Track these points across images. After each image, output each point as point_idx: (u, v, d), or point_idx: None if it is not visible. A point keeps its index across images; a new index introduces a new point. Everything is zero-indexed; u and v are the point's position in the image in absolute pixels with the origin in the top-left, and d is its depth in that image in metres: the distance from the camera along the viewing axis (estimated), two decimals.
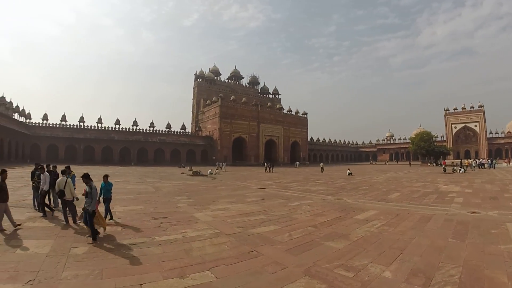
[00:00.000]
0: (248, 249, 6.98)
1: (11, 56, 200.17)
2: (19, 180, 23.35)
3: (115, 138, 74.03)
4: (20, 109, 68.03)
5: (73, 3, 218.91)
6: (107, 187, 10.21)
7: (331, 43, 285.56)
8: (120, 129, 77.46)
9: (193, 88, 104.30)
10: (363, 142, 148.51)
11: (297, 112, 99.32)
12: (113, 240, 7.79)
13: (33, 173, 11.94)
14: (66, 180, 9.81)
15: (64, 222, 9.72)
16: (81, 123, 74.86)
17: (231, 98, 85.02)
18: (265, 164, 48.41)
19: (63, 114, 74.97)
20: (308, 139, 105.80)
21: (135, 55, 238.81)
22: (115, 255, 6.66)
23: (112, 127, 77.04)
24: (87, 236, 8.05)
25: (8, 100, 63.47)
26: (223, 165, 44.76)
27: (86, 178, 8.32)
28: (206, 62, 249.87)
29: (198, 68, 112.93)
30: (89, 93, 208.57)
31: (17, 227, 8.72)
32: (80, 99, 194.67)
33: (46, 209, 10.96)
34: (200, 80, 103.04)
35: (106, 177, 10.39)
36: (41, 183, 11.04)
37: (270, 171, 43.55)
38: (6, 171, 9.28)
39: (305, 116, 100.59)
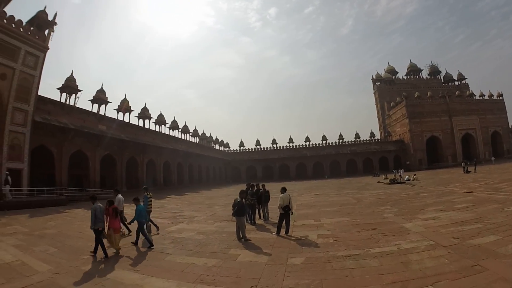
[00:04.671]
0: (471, 263, 6.38)
1: (199, 101, 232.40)
2: (226, 198, 26.95)
3: (307, 155, 79.16)
4: (219, 140, 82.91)
5: (238, 47, 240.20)
6: (139, 210, 10.23)
7: (500, 0, 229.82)
8: (311, 145, 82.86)
9: (374, 93, 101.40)
10: None
11: (490, 96, 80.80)
12: (328, 251, 8.07)
13: (246, 192, 12.96)
14: (290, 196, 10.80)
15: (275, 234, 10.68)
16: (274, 145, 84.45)
17: (415, 95, 78.41)
18: (463, 163, 42.68)
19: (257, 139, 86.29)
20: (510, 126, 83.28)
21: (307, 75, 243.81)
22: (333, 266, 6.90)
23: (303, 145, 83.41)
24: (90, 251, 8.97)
25: (208, 135, 76.89)
26: (401, 172, 40.62)
27: (92, 199, 9.30)
28: (378, 63, 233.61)
29: (372, 72, 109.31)
30: (279, 117, 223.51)
31: (248, 240, 9.98)
32: (271, 124, 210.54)
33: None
34: (379, 83, 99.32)
35: (135, 200, 10.72)
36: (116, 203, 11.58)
37: (473, 171, 38.23)
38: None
39: (500, 98, 79.76)
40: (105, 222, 9.15)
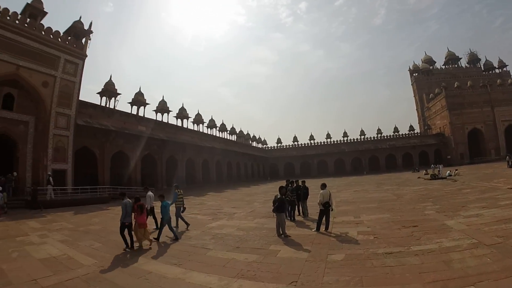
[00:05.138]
0: None
1: (234, 99, 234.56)
2: (264, 194, 27.21)
3: (345, 150, 77.70)
4: (257, 137, 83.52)
5: (271, 43, 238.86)
6: (163, 206, 10.87)
7: None
8: (349, 141, 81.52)
9: (411, 84, 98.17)
10: None
11: None
12: (368, 248, 8.04)
13: (285, 188, 12.92)
14: (330, 192, 10.88)
15: (315, 230, 10.74)
16: (311, 141, 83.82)
17: (455, 85, 73.85)
18: (507, 157, 40.20)
19: (294, 135, 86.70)
20: None
21: (342, 68, 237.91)
22: (373, 263, 6.87)
23: (340, 140, 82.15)
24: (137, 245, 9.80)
25: (245, 132, 77.40)
26: (439, 168, 37.61)
27: (122, 195, 10.35)
28: (414, 53, 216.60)
29: (409, 62, 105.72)
30: (315, 112, 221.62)
31: (288, 236, 10.08)
32: (308, 119, 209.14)
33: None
34: (416, 74, 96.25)
35: (161, 196, 11.44)
36: (147, 200, 12.59)
37: None
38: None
39: None
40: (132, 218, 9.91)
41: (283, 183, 14.73)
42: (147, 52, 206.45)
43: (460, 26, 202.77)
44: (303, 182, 15.11)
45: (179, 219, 12.97)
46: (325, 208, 10.59)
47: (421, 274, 6.01)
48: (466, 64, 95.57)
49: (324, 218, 10.69)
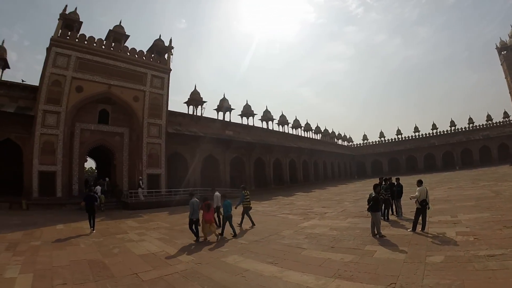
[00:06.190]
0: None
1: (316, 98, 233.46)
2: (354, 193, 26.54)
3: (435, 144, 72.06)
4: (342, 135, 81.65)
5: (345, 37, 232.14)
6: (225, 205, 12.25)
7: None
8: (439, 133, 75.15)
9: (501, 64, 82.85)
10: None
11: None
12: (469, 250, 7.62)
13: (379, 186, 12.38)
14: (427, 190, 10.50)
15: (411, 230, 10.46)
16: (399, 136, 79.50)
17: None
18: None
19: (380, 131, 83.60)
20: None
21: (422, 55, 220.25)
22: (474, 266, 6.48)
23: (429, 133, 76.15)
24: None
25: (330, 131, 75.76)
26: None
27: (190, 195, 12.14)
28: (499, 29, 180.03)
29: (495, 39, 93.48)
30: (398, 104, 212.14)
31: (383, 236, 9.96)
32: (391, 113, 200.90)
33: None
34: (505, 52, 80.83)
35: (223, 196, 12.99)
36: (214, 200, 13.63)
37: None
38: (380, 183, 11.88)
39: None
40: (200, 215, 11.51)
41: (371, 181, 14.50)
42: (223, 60, 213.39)
43: None
44: (397, 179, 14.64)
45: (246, 217, 14.07)
46: (422, 206, 10.22)
47: None
48: None
49: (420, 217, 10.35)
